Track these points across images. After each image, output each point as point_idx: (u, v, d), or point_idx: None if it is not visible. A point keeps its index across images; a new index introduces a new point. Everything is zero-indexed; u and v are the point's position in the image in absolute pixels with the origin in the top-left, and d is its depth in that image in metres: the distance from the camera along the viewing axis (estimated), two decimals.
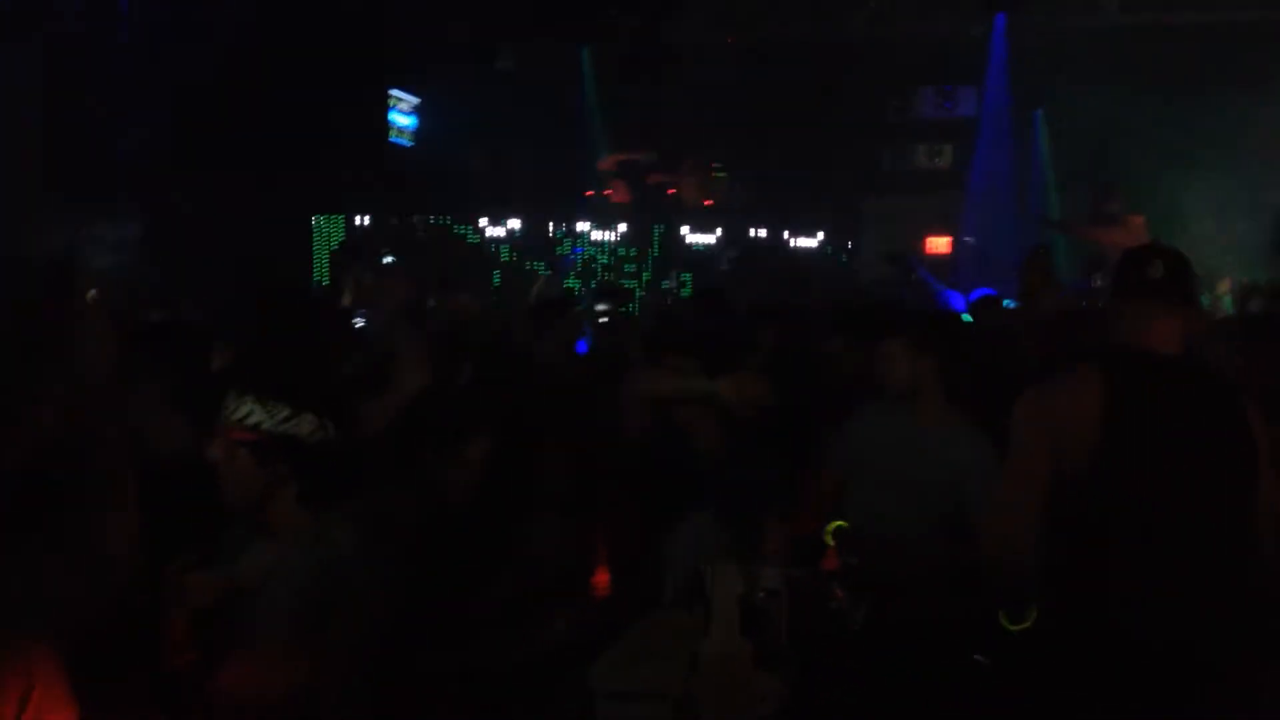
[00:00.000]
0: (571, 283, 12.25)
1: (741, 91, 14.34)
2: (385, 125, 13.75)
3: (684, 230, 13.40)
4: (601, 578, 3.44)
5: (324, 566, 2.58)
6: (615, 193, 14.49)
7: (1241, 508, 2.95)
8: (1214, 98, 12.48)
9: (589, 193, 14.75)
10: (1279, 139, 12.61)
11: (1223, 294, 9.07)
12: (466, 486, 2.96)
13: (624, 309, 9.33)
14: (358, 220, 12.21)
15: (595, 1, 12.02)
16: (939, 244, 13.89)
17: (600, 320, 7.67)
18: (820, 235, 14.37)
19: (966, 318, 7.12)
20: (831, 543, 4.06)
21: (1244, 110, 12.50)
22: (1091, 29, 13.02)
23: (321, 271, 11.80)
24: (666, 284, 12.60)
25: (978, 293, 7.76)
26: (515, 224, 12.87)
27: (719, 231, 13.61)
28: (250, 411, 2.60)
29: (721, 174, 15.04)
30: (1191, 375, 3.07)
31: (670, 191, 14.73)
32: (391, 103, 13.89)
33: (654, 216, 13.60)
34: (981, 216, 13.39)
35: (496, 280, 12.38)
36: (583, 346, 6.85)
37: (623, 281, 12.39)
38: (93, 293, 3.46)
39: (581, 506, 3.38)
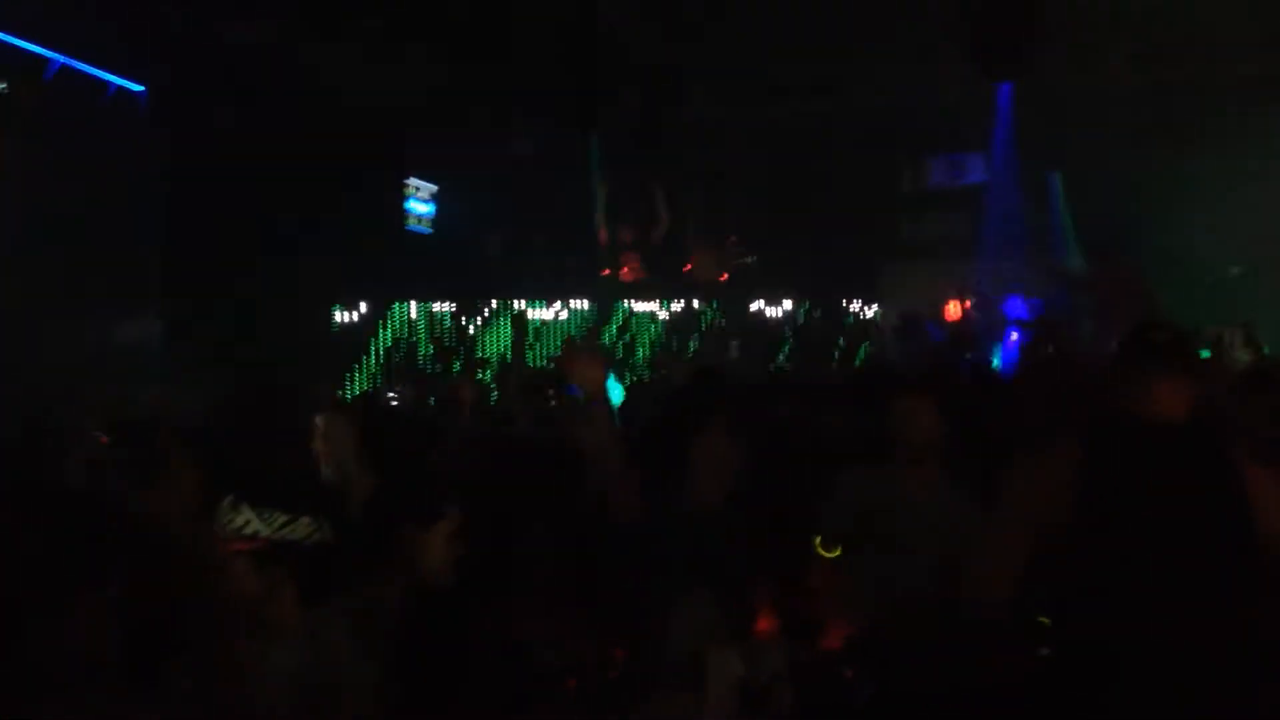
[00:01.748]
0: None
1: (753, 167, 14.54)
2: (403, 213, 13.96)
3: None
4: (600, 661, 3.42)
5: (318, 664, 2.59)
6: (629, 270, 14.63)
7: (1232, 562, 2.98)
8: (1218, 150, 12.54)
9: (605, 271, 14.90)
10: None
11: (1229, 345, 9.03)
12: (442, 568, 2.93)
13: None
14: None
15: (603, 86, 12.19)
16: (953, 310, 13.91)
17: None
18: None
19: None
20: (826, 552, 4.06)
21: (1247, 162, 12.56)
22: (1101, 88, 13.10)
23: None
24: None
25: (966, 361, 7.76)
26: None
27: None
28: (247, 521, 2.61)
29: (740, 248, 15.17)
30: (1179, 439, 3.11)
31: (686, 268, 14.86)
32: (409, 191, 14.11)
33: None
34: (996, 281, 13.43)
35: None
36: None
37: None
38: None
39: (572, 586, 3.34)
